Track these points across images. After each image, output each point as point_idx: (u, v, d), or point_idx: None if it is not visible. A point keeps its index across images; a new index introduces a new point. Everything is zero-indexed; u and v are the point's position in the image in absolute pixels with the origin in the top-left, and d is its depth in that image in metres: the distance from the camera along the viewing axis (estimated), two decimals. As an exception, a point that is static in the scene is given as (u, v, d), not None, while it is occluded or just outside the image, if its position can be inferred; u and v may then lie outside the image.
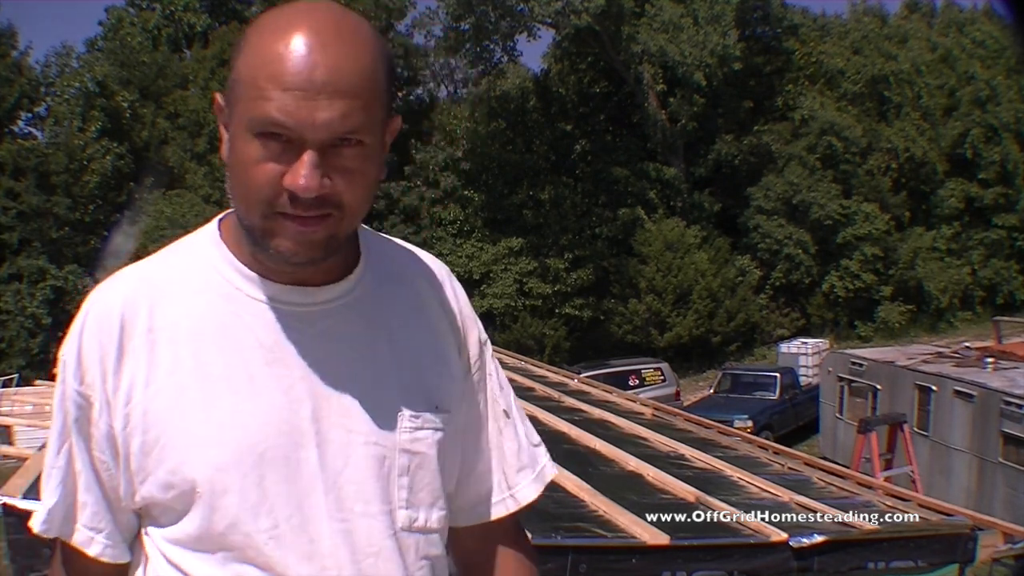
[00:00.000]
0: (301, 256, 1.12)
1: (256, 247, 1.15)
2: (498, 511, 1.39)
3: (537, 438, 1.43)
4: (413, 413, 1.22)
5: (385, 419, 1.20)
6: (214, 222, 1.26)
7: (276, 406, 1.16)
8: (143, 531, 1.23)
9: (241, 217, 1.14)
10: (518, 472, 1.39)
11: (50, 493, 1.20)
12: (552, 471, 1.45)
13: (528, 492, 1.42)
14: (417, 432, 1.23)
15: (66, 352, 1.20)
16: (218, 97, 1.18)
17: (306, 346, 1.18)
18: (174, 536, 1.18)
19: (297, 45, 1.06)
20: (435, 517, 1.26)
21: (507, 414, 1.38)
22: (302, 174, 1.06)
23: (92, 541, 1.20)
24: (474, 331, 1.35)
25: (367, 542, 1.19)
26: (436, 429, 1.25)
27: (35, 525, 1.22)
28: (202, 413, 1.15)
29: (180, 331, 1.17)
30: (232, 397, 1.16)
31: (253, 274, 1.19)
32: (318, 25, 1.08)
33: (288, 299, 1.19)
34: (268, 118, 1.06)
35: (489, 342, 1.39)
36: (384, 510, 1.20)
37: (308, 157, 1.06)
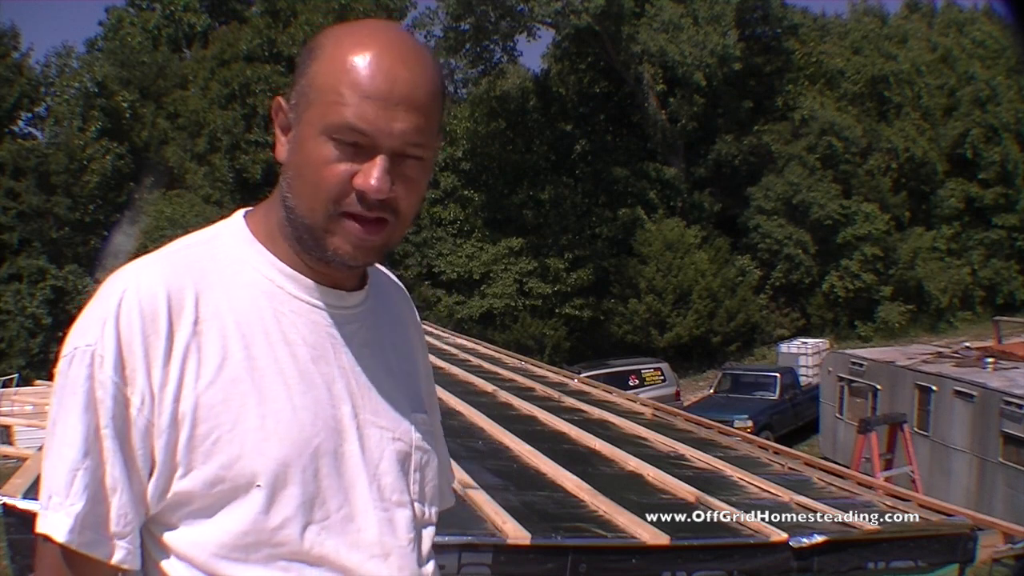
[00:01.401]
0: (358, 260, 1.19)
1: (310, 247, 1.19)
2: None
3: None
4: (419, 415, 1.33)
5: (403, 419, 1.29)
6: (237, 221, 1.27)
7: (323, 401, 1.20)
8: (160, 544, 1.17)
9: (302, 215, 1.17)
10: (445, 482, 1.49)
11: (75, 497, 1.10)
12: (451, 502, 1.55)
13: (448, 500, 1.51)
14: (424, 432, 1.33)
15: (96, 341, 1.11)
16: (280, 100, 1.22)
17: (340, 346, 1.24)
18: (207, 539, 1.14)
19: (379, 58, 1.13)
20: (433, 512, 1.35)
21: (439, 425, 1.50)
22: (374, 176, 1.12)
23: (116, 548, 1.14)
24: (426, 347, 1.47)
25: (405, 529, 1.26)
26: (431, 432, 1.37)
27: (59, 534, 1.11)
28: (257, 407, 1.15)
29: (227, 323, 1.17)
30: (286, 391, 1.17)
31: (295, 273, 1.22)
32: (396, 43, 1.16)
33: (327, 300, 1.24)
34: (346, 123, 1.12)
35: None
36: (410, 500, 1.28)
37: (381, 161, 1.13)
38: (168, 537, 1.17)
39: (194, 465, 1.13)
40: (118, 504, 1.13)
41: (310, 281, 1.22)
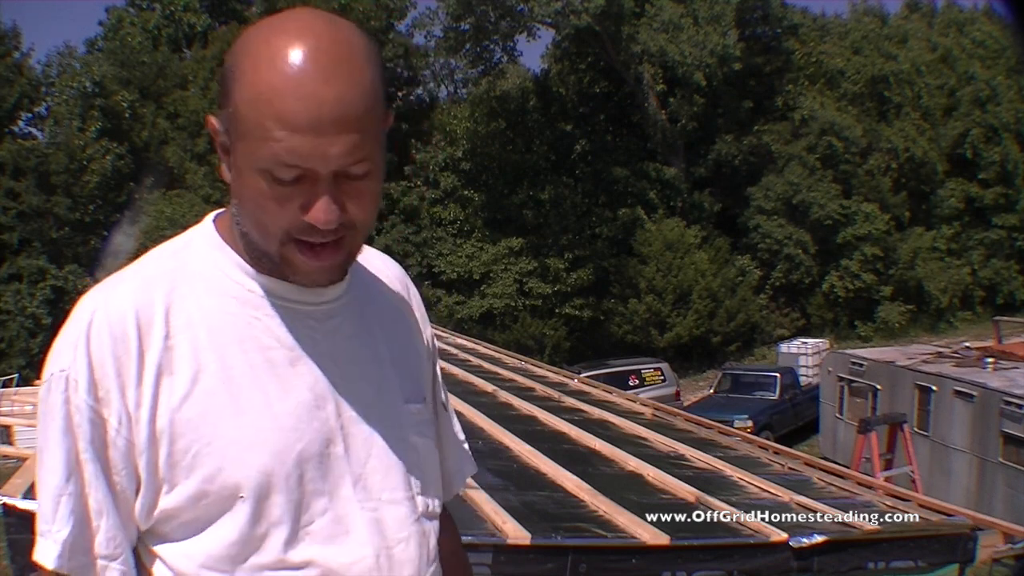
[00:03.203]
0: (322, 281, 1.16)
1: (271, 268, 1.16)
2: None
3: (463, 435, 1.49)
4: (414, 406, 1.29)
5: (395, 412, 1.25)
6: (207, 225, 1.24)
7: (306, 404, 1.17)
8: (150, 553, 1.17)
9: (255, 243, 1.14)
10: (453, 465, 1.46)
11: (60, 523, 1.11)
12: (473, 468, 1.52)
13: (458, 486, 1.49)
14: (420, 424, 1.29)
15: (69, 365, 1.11)
16: (213, 121, 1.15)
17: (321, 344, 1.20)
18: (196, 550, 1.14)
19: (298, 79, 1.04)
20: (437, 504, 1.31)
21: (445, 407, 1.45)
22: (322, 209, 1.07)
23: (107, 569, 1.14)
24: (428, 327, 1.42)
25: (397, 527, 1.22)
26: (430, 421, 1.33)
27: (48, 561, 1.12)
28: (235, 417, 1.13)
29: (198, 334, 1.15)
30: (263, 398, 1.15)
31: (263, 276, 1.19)
32: (315, 51, 1.05)
33: (300, 298, 1.19)
34: (278, 160, 1.06)
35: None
36: (408, 496, 1.24)
37: (325, 192, 1.07)
38: (159, 549, 1.16)
39: (177, 481, 1.12)
40: (106, 527, 1.13)
41: (280, 280, 1.18)
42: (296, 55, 1.05)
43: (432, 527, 1.28)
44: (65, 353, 1.12)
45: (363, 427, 1.21)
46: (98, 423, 1.11)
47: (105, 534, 1.13)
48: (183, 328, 1.14)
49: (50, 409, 1.11)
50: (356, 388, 1.21)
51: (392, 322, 1.32)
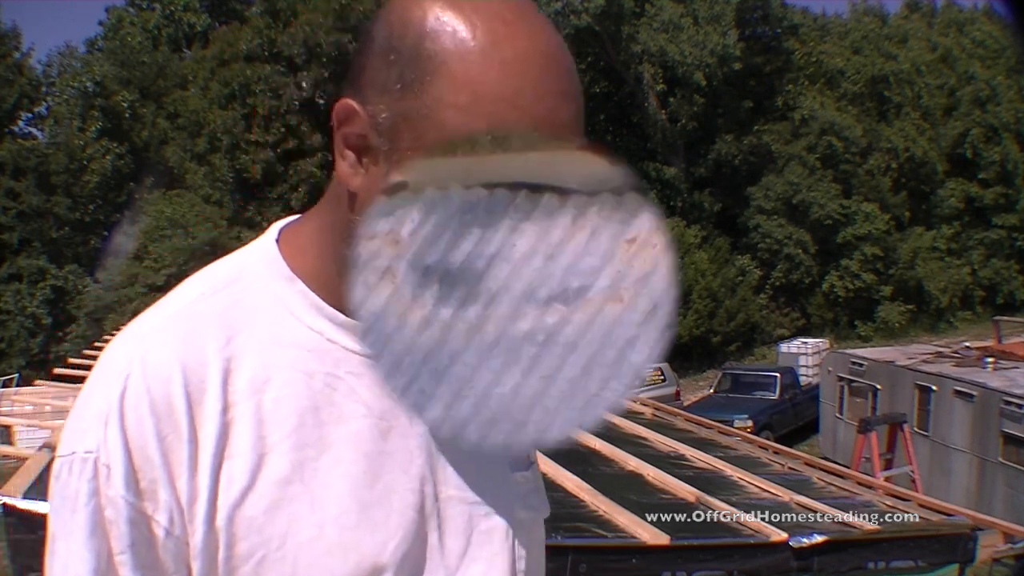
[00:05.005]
0: None
1: None
2: None
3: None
4: (520, 474, 1.03)
5: (499, 485, 0.98)
6: (269, 245, 0.94)
7: (400, 488, 0.91)
8: None
9: None
10: None
11: None
12: (547, 511, 1.28)
13: None
14: (528, 495, 1.03)
15: (97, 447, 0.83)
16: (357, 109, 0.84)
17: None
18: None
19: (538, 90, 0.83)
20: None
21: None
22: None
23: None
24: None
25: None
26: (537, 489, 1.06)
27: None
28: (312, 513, 0.86)
29: (264, 402, 0.86)
30: (347, 485, 0.88)
31: (348, 320, 0.88)
32: (551, 57, 0.85)
33: None
34: None
35: None
36: None
37: None
38: None
39: None
40: None
41: None
42: (532, 61, 0.83)
43: None
44: (91, 429, 0.84)
45: (462, 508, 0.94)
46: (140, 521, 0.83)
47: None
48: (244, 395, 0.86)
49: (71, 497, 0.84)
50: (457, 460, 0.94)
51: None
